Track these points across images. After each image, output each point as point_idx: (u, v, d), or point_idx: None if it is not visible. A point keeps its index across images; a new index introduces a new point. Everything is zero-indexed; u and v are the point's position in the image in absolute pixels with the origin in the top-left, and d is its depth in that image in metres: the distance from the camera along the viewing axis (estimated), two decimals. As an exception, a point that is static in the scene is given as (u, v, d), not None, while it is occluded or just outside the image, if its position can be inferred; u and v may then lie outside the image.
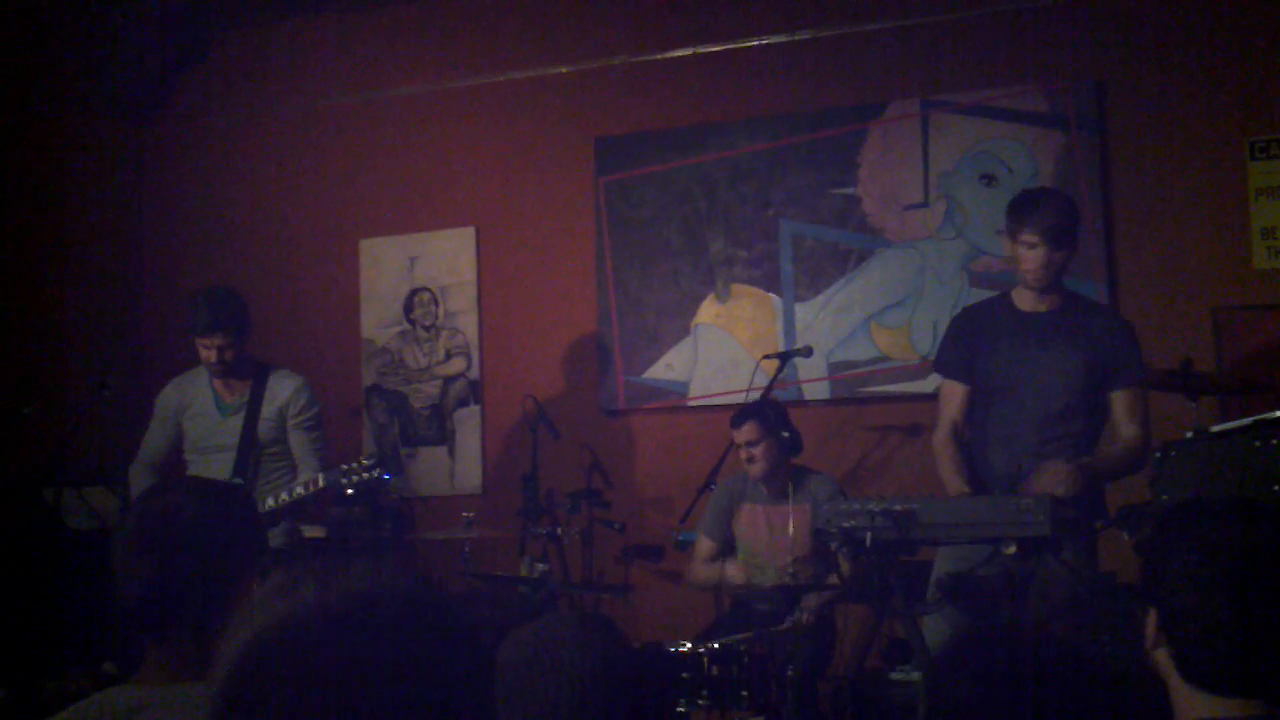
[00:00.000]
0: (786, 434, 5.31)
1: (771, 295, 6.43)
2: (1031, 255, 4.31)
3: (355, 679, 1.06)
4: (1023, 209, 4.37)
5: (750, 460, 5.34)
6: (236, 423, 5.14)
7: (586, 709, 1.86)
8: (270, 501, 4.90)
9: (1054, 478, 4.07)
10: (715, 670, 4.56)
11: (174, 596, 2.07)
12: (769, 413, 5.34)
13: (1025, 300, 4.44)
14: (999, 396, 4.39)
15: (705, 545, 5.57)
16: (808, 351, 5.77)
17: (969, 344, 4.51)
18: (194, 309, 5.10)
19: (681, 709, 4.54)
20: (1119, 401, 4.35)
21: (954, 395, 4.52)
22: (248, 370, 5.19)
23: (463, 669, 1.12)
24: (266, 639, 1.10)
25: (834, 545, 4.14)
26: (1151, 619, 1.92)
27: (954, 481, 4.36)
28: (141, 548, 2.10)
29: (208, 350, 5.08)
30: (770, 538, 5.44)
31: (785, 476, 5.40)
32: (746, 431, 5.34)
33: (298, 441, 5.16)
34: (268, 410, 5.14)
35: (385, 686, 1.07)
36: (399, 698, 1.07)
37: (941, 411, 4.56)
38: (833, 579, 5.11)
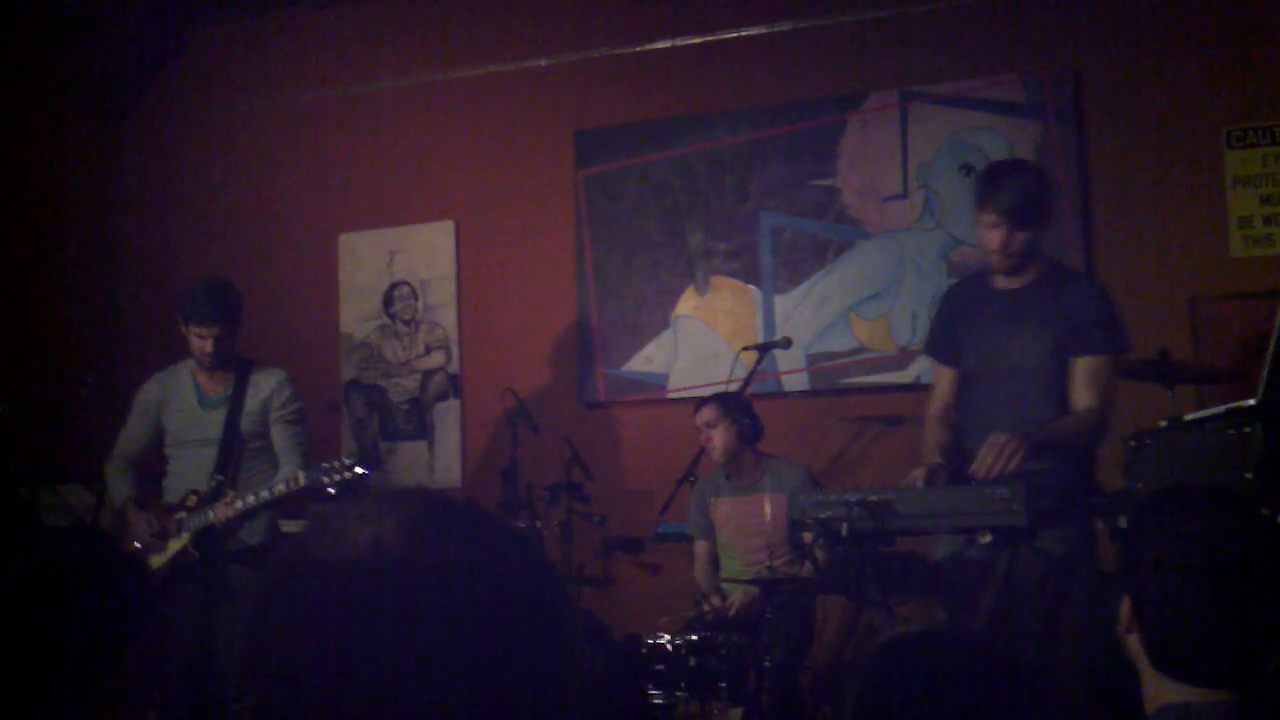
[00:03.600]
0: (746, 420, 5.40)
1: (751, 287, 6.43)
2: (991, 235, 4.12)
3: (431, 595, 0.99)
4: (983, 186, 4.19)
5: (709, 443, 5.45)
6: (219, 416, 5.11)
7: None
8: (251, 498, 4.88)
9: (992, 452, 3.82)
10: (694, 662, 4.56)
11: (28, 676, 1.86)
12: (729, 399, 5.47)
13: (1002, 277, 4.24)
14: (978, 383, 4.28)
15: (700, 547, 5.71)
16: (787, 343, 5.78)
17: (952, 327, 4.39)
18: (192, 298, 5.07)
19: (660, 700, 4.54)
20: (1077, 369, 4.11)
21: (942, 379, 4.43)
22: (231, 364, 5.17)
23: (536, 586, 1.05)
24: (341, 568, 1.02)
25: (809, 536, 4.14)
26: (1125, 606, 1.92)
27: (930, 456, 4.23)
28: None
29: (203, 340, 5.05)
30: (741, 528, 5.48)
31: (751, 464, 5.47)
32: (705, 414, 5.50)
33: (280, 435, 5.13)
34: (251, 404, 5.12)
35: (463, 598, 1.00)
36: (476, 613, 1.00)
37: (933, 392, 4.48)
38: (806, 569, 5.12)
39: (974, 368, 4.29)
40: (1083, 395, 4.12)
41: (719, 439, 5.45)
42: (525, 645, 1.02)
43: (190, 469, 5.08)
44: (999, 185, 4.12)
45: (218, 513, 4.84)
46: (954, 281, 4.68)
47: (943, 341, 4.44)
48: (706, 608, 5.37)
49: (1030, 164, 4.37)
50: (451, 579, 1.00)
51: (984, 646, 1.48)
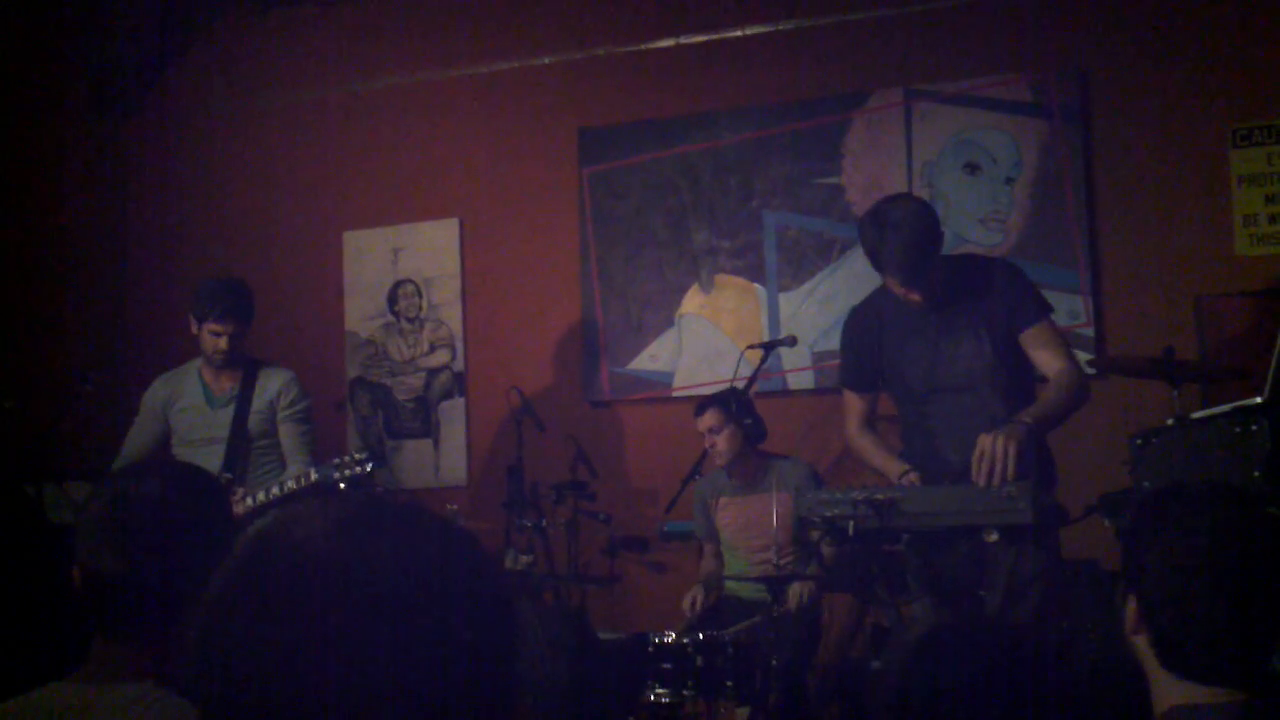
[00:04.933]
0: (749, 420, 5.35)
1: (755, 285, 6.43)
2: (907, 294, 4.07)
3: (365, 580, 1.01)
4: (874, 250, 4.06)
5: (713, 448, 5.41)
6: (226, 415, 5.14)
7: (559, 698, 1.86)
8: (261, 495, 4.89)
9: (985, 459, 3.78)
10: (700, 661, 4.57)
11: (134, 588, 1.92)
12: (730, 400, 5.39)
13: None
14: (930, 399, 4.20)
15: (706, 549, 5.74)
16: (792, 341, 5.78)
17: (867, 353, 4.31)
18: (208, 296, 5.09)
19: (667, 699, 4.54)
20: (1029, 342, 4.11)
21: (854, 406, 4.36)
22: (239, 363, 5.18)
23: (476, 581, 1.06)
24: (269, 538, 1.04)
25: (815, 535, 4.14)
26: (1131, 606, 1.91)
27: (891, 465, 4.16)
28: (107, 533, 1.94)
29: (217, 337, 5.07)
30: (746, 528, 5.47)
31: (755, 464, 5.45)
32: (708, 419, 5.45)
33: (288, 434, 5.15)
34: (258, 403, 5.14)
35: (395, 591, 1.01)
36: (412, 607, 1.01)
37: (846, 416, 4.41)
38: (812, 568, 5.12)
39: (917, 387, 4.21)
40: (1050, 361, 4.12)
41: (724, 443, 5.41)
42: (461, 643, 1.03)
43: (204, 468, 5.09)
44: (890, 250, 4.00)
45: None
46: (854, 308, 4.52)
47: (856, 372, 4.37)
48: (686, 605, 5.35)
49: (907, 204, 4.15)
50: (382, 575, 1.01)
51: (1019, 639, 1.49)
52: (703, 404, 5.54)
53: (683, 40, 6.62)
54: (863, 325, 4.37)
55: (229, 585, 1.05)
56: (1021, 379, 4.21)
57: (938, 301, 4.14)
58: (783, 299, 6.37)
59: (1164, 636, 1.87)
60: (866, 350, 4.33)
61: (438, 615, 1.02)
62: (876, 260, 4.09)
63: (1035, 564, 3.93)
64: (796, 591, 5.07)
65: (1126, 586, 1.92)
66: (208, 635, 1.04)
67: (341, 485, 4.83)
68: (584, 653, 1.96)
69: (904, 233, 4.00)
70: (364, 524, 1.05)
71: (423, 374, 6.97)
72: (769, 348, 5.74)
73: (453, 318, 6.94)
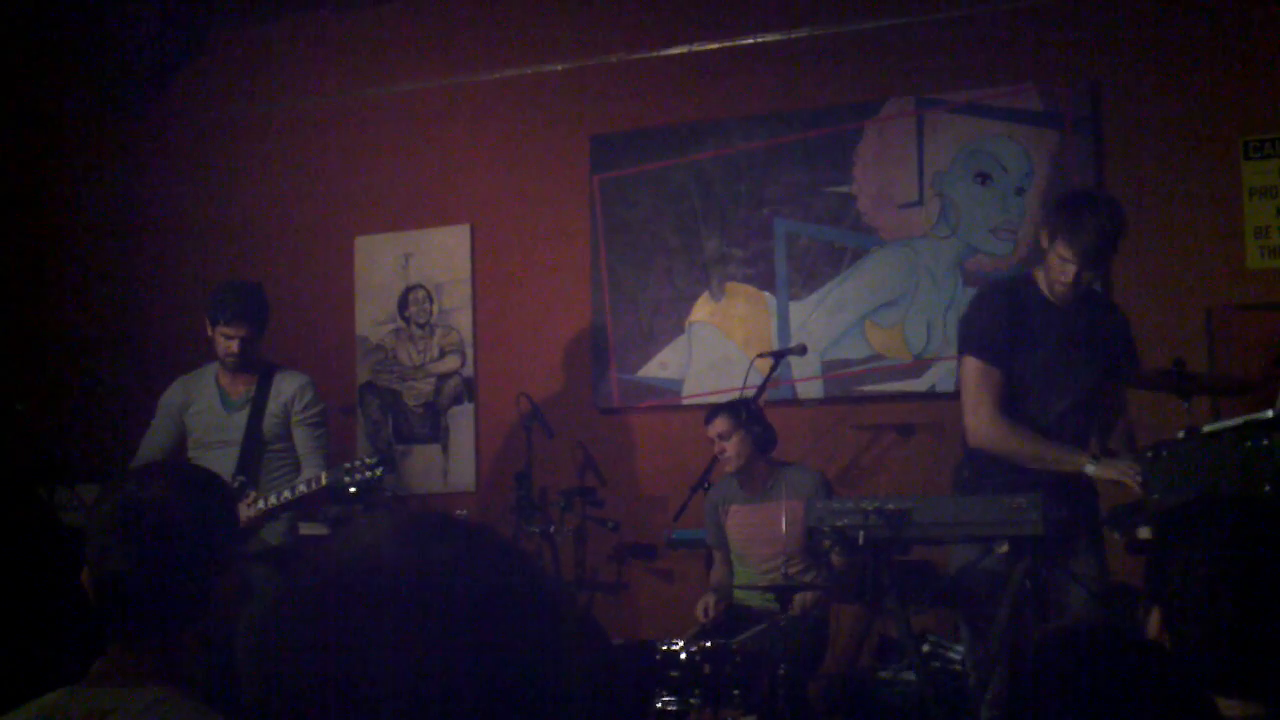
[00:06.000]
0: (759, 428, 5.38)
1: (766, 294, 6.43)
2: (1064, 270, 4.08)
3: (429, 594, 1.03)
4: (1065, 219, 4.08)
5: (723, 454, 5.42)
6: (241, 418, 5.15)
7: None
8: (273, 498, 4.90)
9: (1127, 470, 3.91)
10: (708, 669, 4.56)
11: (140, 590, 1.94)
12: (741, 407, 5.43)
13: (1052, 288, 4.21)
14: (1038, 391, 4.19)
15: (716, 556, 5.73)
16: (802, 350, 5.80)
17: (1011, 331, 4.20)
18: (220, 299, 5.10)
19: (674, 708, 4.54)
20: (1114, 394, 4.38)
21: (993, 381, 4.15)
22: (255, 367, 5.19)
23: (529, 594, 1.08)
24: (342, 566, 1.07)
25: (827, 543, 4.14)
26: (1154, 617, 1.90)
27: (1069, 453, 4.07)
28: (114, 535, 1.96)
29: (229, 340, 5.08)
30: (754, 536, 5.48)
31: (764, 472, 5.46)
32: (718, 425, 5.46)
33: (301, 438, 5.16)
34: (273, 406, 5.14)
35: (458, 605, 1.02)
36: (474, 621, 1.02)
37: (984, 393, 4.15)
38: (819, 577, 5.13)
39: (1030, 381, 4.20)
40: (1122, 415, 4.37)
41: (733, 449, 5.42)
42: (513, 648, 1.04)
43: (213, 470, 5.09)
44: (1083, 223, 4.04)
45: (240, 513, 4.87)
46: (997, 282, 4.58)
47: (1000, 343, 4.19)
48: (700, 612, 5.36)
49: (1110, 198, 4.23)
50: (437, 581, 1.03)
51: (1150, 650, 1.49)
52: (714, 410, 5.56)
53: (694, 48, 6.63)
54: (1006, 299, 4.27)
55: (288, 591, 1.07)
56: (1108, 407, 4.37)
57: (1074, 311, 4.22)
58: (793, 307, 6.38)
59: (1187, 648, 1.86)
60: (1008, 327, 4.21)
61: (493, 624, 1.04)
62: (1063, 230, 4.07)
63: (1074, 595, 3.96)
64: (801, 599, 5.08)
65: (1149, 597, 1.92)
66: (265, 637, 1.06)
67: (352, 489, 4.84)
68: (594, 655, 1.95)
69: (1103, 214, 4.08)
70: (427, 535, 1.07)
71: (432, 379, 6.98)
72: (779, 356, 5.76)
73: (463, 323, 6.95)
